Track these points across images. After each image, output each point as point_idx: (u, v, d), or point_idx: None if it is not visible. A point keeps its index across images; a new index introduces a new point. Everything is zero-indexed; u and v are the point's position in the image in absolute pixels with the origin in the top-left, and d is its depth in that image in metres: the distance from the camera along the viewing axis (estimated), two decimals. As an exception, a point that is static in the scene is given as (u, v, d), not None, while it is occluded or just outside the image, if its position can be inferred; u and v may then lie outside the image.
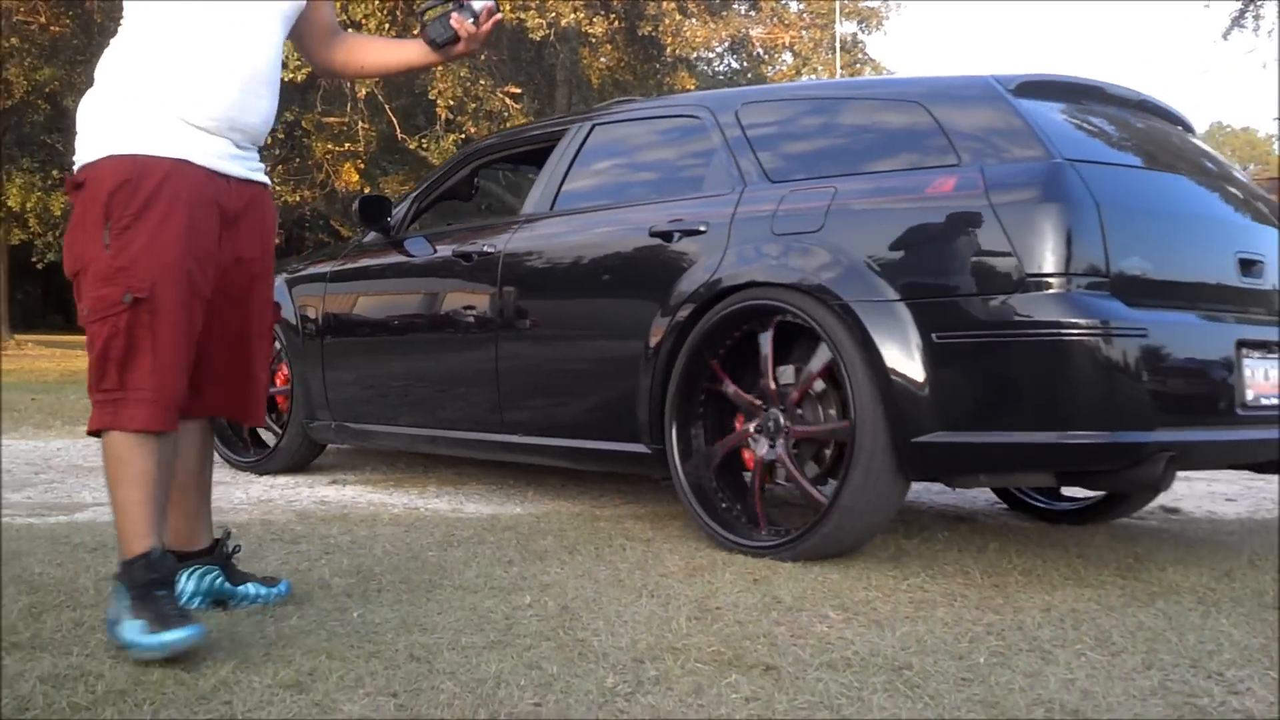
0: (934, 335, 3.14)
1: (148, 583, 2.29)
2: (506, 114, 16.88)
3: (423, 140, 17.31)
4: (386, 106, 17.28)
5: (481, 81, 16.32)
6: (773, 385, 3.49)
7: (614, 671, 2.23)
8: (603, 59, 19.46)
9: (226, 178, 2.52)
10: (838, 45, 22.94)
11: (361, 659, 2.26)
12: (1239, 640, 2.57)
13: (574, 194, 4.36)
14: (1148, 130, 3.82)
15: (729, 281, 3.55)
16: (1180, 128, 4.02)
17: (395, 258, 4.86)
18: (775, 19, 23.05)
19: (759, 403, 3.53)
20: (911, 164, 3.43)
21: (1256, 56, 43.72)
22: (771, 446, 3.49)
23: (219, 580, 2.67)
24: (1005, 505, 4.55)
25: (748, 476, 3.63)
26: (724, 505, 3.62)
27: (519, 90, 17.62)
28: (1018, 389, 3.08)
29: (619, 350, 3.87)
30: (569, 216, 4.28)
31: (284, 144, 19.57)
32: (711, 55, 27.37)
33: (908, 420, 3.17)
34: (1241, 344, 3.29)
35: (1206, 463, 3.79)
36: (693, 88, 21.06)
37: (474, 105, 16.29)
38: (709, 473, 3.65)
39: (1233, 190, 3.71)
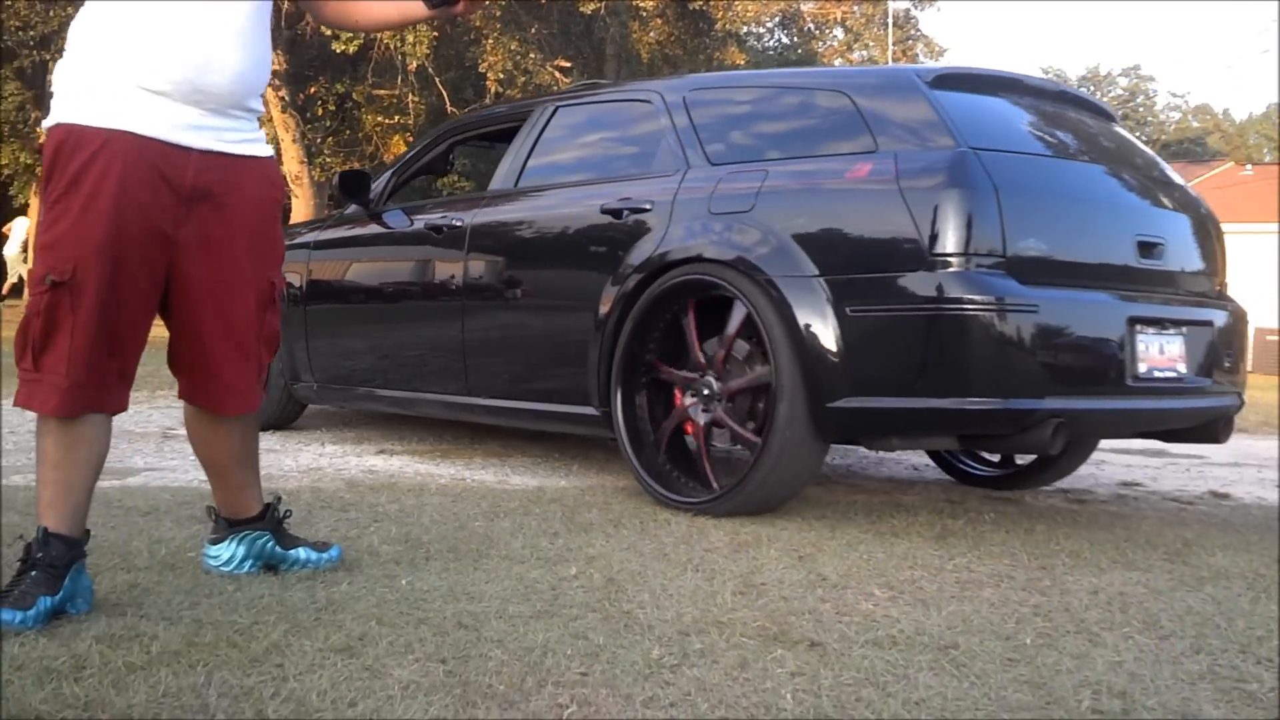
0: (847, 309, 3.41)
1: (23, 558, 2.30)
2: (555, 87, 16.88)
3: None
4: (436, 79, 17.31)
5: (531, 55, 16.31)
6: (701, 356, 3.78)
7: (660, 643, 2.24)
8: (652, 33, 19.36)
9: (185, 150, 2.35)
10: (890, 20, 22.72)
11: (410, 625, 2.29)
12: (1290, 627, 2.54)
13: (537, 171, 4.64)
14: (1060, 120, 4.06)
15: (670, 257, 3.81)
16: (1101, 117, 4.28)
17: (373, 229, 5.13)
18: (827, -6, 22.87)
19: (694, 375, 3.79)
20: (835, 150, 3.68)
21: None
22: (707, 410, 3.75)
23: (270, 544, 2.70)
24: (940, 468, 4.84)
25: (690, 441, 3.90)
26: (666, 466, 3.87)
27: (568, 64, 17.59)
28: (921, 359, 3.33)
29: (573, 319, 4.12)
30: (531, 193, 4.58)
31: (335, 116, 19.67)
32: (762, 30, 27.20)
33: (823, 386, 3.44)
34: (1135, 320, 3.54)
35: (1097, 430, 4.00)
36: (742, 63, 20.95)
37: (523, 78, 16.29)
38: (654, 441, 3.92)
39: (1140, 178, 3.95)
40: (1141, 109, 53.70)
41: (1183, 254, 3.91)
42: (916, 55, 26.36)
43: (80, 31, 2.33)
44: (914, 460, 5.36)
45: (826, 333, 3.42)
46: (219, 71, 2.34)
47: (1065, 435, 3.35)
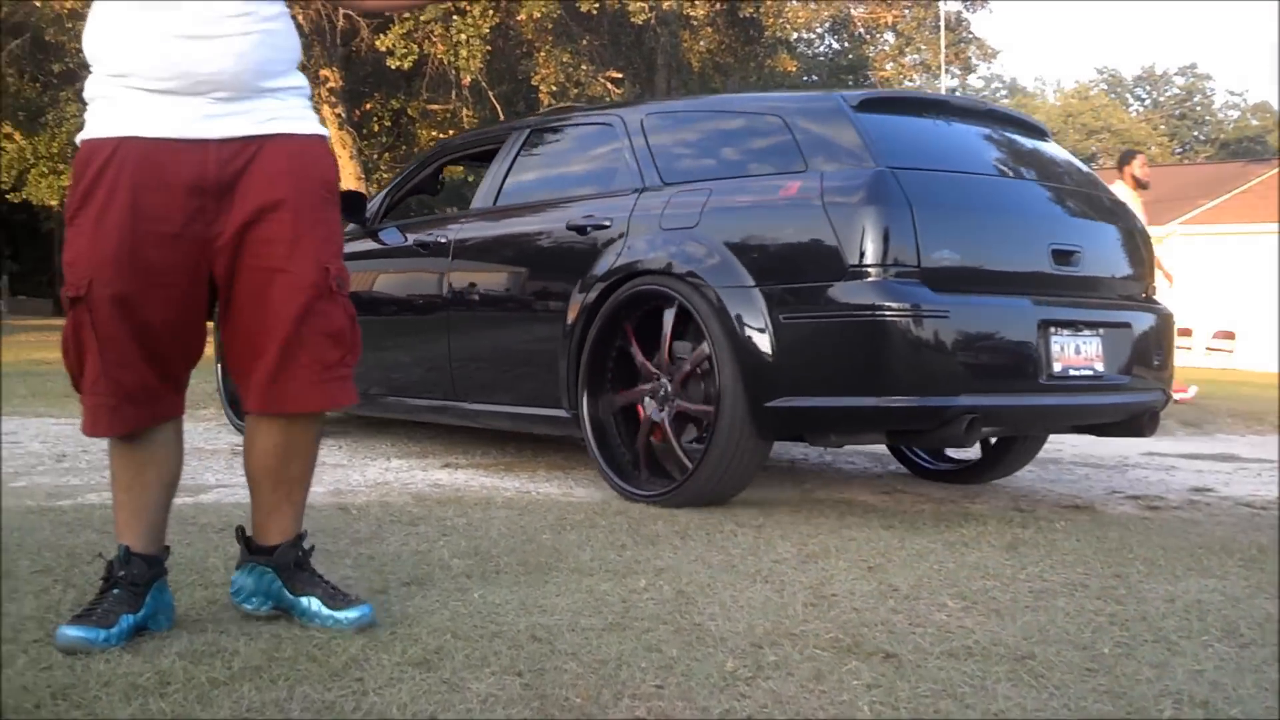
0: (780, 316, 3.71)
1: (106, 577, 2.31)
2: (607, 98, 16.94)
3: (525, 126, 17.42)
4: (489, 92, 17.42)
5: (583, 66, 16.38)
6: (647, 359, 4.11)
7: (733, 655, 2.24)
8: (703, 42, 19.38)
9: (202, 142, 2.22)
10: (942, 24, 22.57)
11: (485, 638, 2.31)
12: (1375, 635, 2.49)
13: (513, 190, 5.01)
14: (981, 138, 4.34)
15: (626, 269, 4.12)
16: (1031, 134, 4.58)
17: (370, 245, 5.48)
18: (878, -2, 22.76)
19: (655, 371, 4.10)
20: (771, 169, 3.98)
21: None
22: (661, 410, 4.07)
23: (276, 584, 2.42)
24: (904, 465, 5.13)
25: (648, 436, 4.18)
26: (627, 460, 4.19)
27: (619, 74, 17.64)
28: (846, 361, 3.65)
29: (544, 327, 4.45)
30: (506, 211, 4.97)
31: (390, 131, 19.86)
32: (812, 36, 27.13)
33: (761, 387, 3.73)
34: (1048, 323, 3.82)
35: (1011, 424, 4.19)
36: (793, 70, 20.93)
37: (575, 90, 16.36)
38: (615, 431, 4.24)
39: (1062, 191, 4.27)
40: (1199, 108, 52.98)
41: (1102, 261, 4.20)
42: (969, 58, 26.17)
43: (86, 42, 2.27)
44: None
45: (762, 338, 3.72)
46: (220, 58, 2.20)
47: (979, 429, 3.68)
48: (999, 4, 64.09)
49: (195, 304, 2.30)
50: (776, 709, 1.98)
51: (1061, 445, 6.37)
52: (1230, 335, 21.50)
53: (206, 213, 2.23)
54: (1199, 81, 53.26)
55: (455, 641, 2.28)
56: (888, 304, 3.53)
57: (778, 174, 3.92)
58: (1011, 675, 2.17)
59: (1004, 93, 55.13)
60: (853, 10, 23.65)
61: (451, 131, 18.68)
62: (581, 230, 4.38)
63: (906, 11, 23.32)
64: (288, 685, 2.00)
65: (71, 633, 2.18)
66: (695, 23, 17.65)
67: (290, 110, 2.31)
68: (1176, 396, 8.74)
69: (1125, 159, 9.34)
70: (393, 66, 15.86)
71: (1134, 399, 4.18)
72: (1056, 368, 3.82)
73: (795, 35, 23.33)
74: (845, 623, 2.50)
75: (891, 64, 25.65)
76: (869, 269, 3.57)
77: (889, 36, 25.57)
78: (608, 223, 4.29)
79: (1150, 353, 4.27)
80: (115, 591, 2.28)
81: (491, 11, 15.09)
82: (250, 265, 2.27)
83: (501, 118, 17.97)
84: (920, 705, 2.01)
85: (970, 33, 25.38)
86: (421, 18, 14.84)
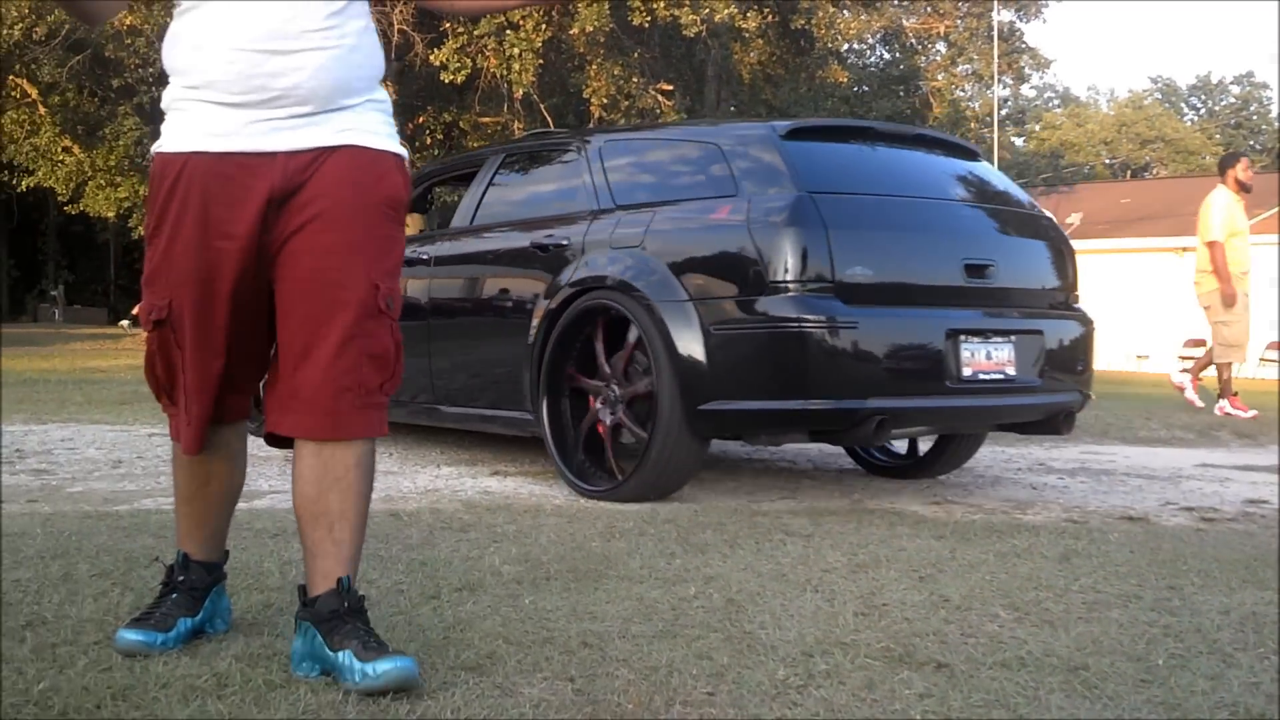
0: (712, 328, 4.08)
1: (165, 581, 2.36)
2: (658, 110, 16.99)
3: (575, 138, 17.50)
4: (541, 105, 17.54)
5: (634, 79, 16.45)
6: (606, 368, 4.44)
7: (784, 664, 2.24)
8: (753, 54, 19.39)
9: (270, 155, 2.14)
10: (995, 34, 22.44)
11: (536, 644, 2.32)
12: None
13: (488, 211, 5.43)
14: (904, 162, 4.69)
15: (580, 284, 4.49)
16: (960, 155, 4.98)
17: None
18: (929, 8, 22.65)
19: (602, 383, 4.45)
20: (709, 194, 4.35)
21: None
22: (613, 413, 4.40)
23: (316, 640, 2.10)
24: (857, 463, 5.49)
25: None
26: (581, 459, 4.51)
27: (670, 87, 17.70)
28: (769, 368, 4.01)
29: (511, 338, 4.80)
30: (480, 230, 5.40)
31: (442, 145, 20.02)
32: (863, 47, 27.06)
33: (695, 392, 4.10)
34: (958, 332, 4.17)
35: (920, 424, 4.49)
36: (844, 81, 20.88)
37: (626, 103, 16.43)
38: (575, 438, 4.55)
39: (982, 208, 4.64)
40: (1255, 117, 52.21)
41: (1018, 274, 4.53)
42: (1022, 68, 26.00)
43: (165, 53, 2.22)
44: (1032, 479, 5.27)
45: (696, 347, 4.09)
46: (297, 72, 2.11)
47: (889, 429, 4.09)
48: (1053, 13, 63.67)
49: (263, 314, 2.23)
50: (828, 717, 1.97)
51: (1115, 457, 6.31)
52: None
53: (266, 221, 2.15)
54: (1255, 90, 52.57)
55: (507, 647, 2.29)
56: (804, 316, 3.92)
57: (713, 198, 4.30)
58: (1065, 686, 2.15)
59: (1056, 102, 54.67)
60: (905, 21, 23.57)
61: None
62: (544, 249, 4.78)
63: (959, 22, 23.19)
64: (343, 688, 2.02)
65: (130, 636, 2.21)
66: (747, 35, 17.68)
67: (365, 123, 2.21)
68: (1241, 415, 8.62)
69: (1229, 162, 9.12)
70: (446, 80, 16.00)
71: (1048, 400, 4.53)
72: (966, 372, 4.17)
73: (846, 46, 23.27)
74: (896, 632, 2.49)
75: (943, 74, 25.52)
76: (788, 285, 3.95)
77: (940, 47, 25.44)
78: (565, 241, 4.70)
79: (1066, 357, 4.61)
80: (174, 596, 2.31)
81: (545, 25, 15.19)
82: (295, 274, 2.15)
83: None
84: (972, 715, 2.00)
85: (1023, 42, 25.22)
86: (475, 31, 14.97)
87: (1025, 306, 4.53)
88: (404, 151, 2.29)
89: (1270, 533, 3.96)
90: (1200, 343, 20.53)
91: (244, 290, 2.18)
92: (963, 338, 4.17)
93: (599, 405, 4.45)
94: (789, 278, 3.95)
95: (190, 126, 2.16)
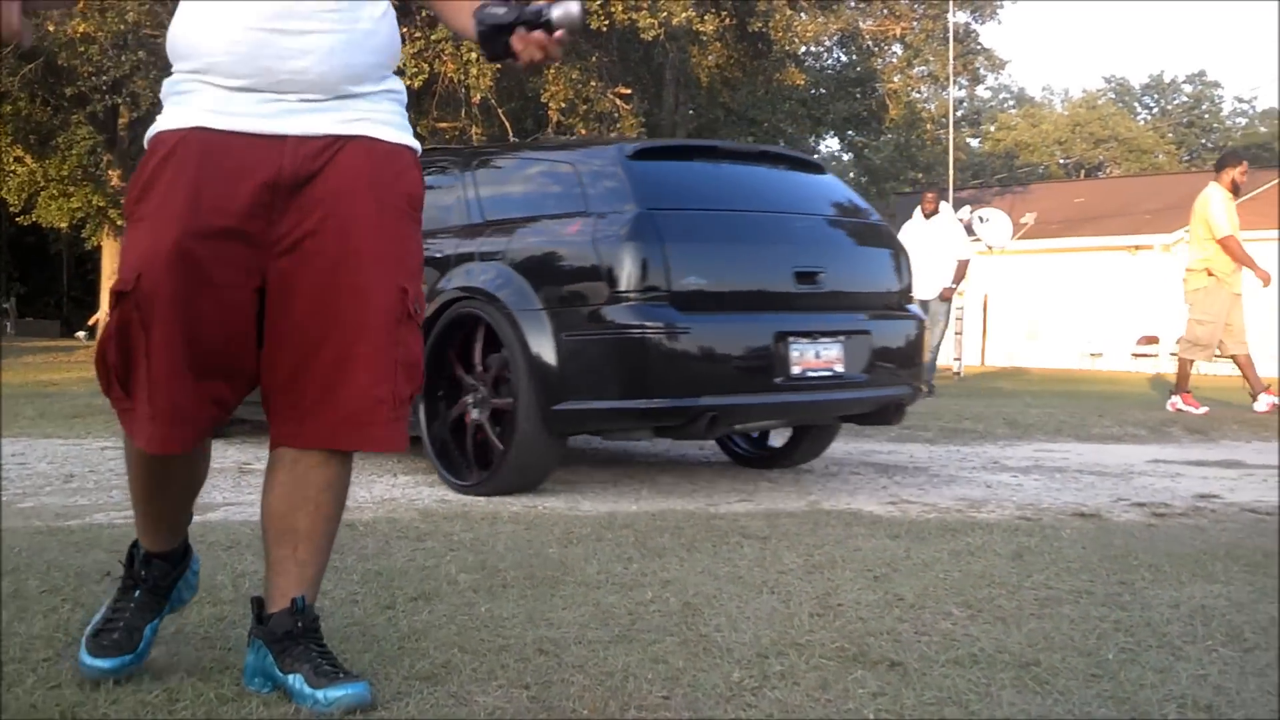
0: (563, 334, 4.43)
1: (126, 579, 2.23)
2: (616, 115, 16.99)
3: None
4: (499, 110, 17.50)
5: (592, 83, 16.43)
6: (469, 370, 4.76)
7: (739, 666, 2.25)
8: (711, 57, 19.43)
9: (279, 138, 2.00)
10: (951, 35, 22.59)
11: (492, 652, 2.32)
12: (1381, 639, 2.49)
13: None
14: (746, 177, 5.07)
15: (450, 296, 4.78)
16: (805, 169, 5.35)
17: None
18: (886, 10, 22.78)
19: (472, 382, 4.76)
20: (563, 210, 4.70)
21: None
22: (480, 412, 4.71)
23: (267, 659, 2.07)
24: (728, 455, 5.88)
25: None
26: (458, 456, 4.79)
27: (628, 91, 17.70)
28: (614, 370, 4.36)
29: None
30: None
31: (398, 150, 19.89)
32: (820, 50, 27.17)
33: (550, 393, 4.42)
34: (787, 334, 4.53)
35: (752, 418, 4.84)
36: (800, 83, 20.96)
37: (584, 107, 16.42)
38: (447, 433, 4.82)
39: (816, 218, 5.02)
40: (1207, 115, 52.86)
41: (850, 279, 4.92)
42: (977, 69, 26.19)
43: (169, 40, 2.08)
44: (986, 478, 5.32)
45: (549, 352, 4.43)
46: (305, 55, 1.98)
47: (720, 425, 4.47)
48: (1008, 14, 64.01)
49: (247, 313, 2.02)
50: (783, 718, 1.99)
51: (1068, 454, 6.37)
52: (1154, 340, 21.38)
53: (272, 211, 1.99)
54: (1207, 89, 53.14)
55: (462, 655, 2.29)
56: (642, 323, 4.29)
57: (566, 215, 4.66)
58: (1016, 682, 2.17)
59: (1012, 103, 55.08)
60: (861, 24, 23.69)
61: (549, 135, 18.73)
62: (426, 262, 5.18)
63: (915, 24, 23.33)
64: (294, 701, 2.01)
65: (98, 664, 2.09)
66: (704, 38, 17.68)
67: (380, 113, 2.08)
68: (1192, 411, 8.65)
69: (1229, 161, 9.11)
70: (403, 85, 15.90)
71: (878, 394, 4.93)
72: (795, 370, 4.53)
73: (804, 49, 23.35)
74: (851, 632, 2.51)
75: (899, 75, 25.66)
76: (629, 295, 4.32)
77: (897, 49, 25.57)
78: (440, 253, 4.97)
79: (895, 355, 5.01)
80: (136, 595, 2.19)
81: None
82: (312, 278, 2.01)
83: (510, 135, 18.05)
84: (925, 713, 2.02)
85: (979, 44, 25.38)
86: (433, 36, 14.91)
87: (855, 309, 4.93)
88: (418, 145, 2.18)
89: (1220, 527, 4.01)
90: (1154, 340, 20.78)
91: (230, 279, 1.98)
92: (791, 339, 4.53)
93: (469, 400, 4.73)
94: (629, 288, 4.32)
95: (192, 106, 2.00)
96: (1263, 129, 50.14)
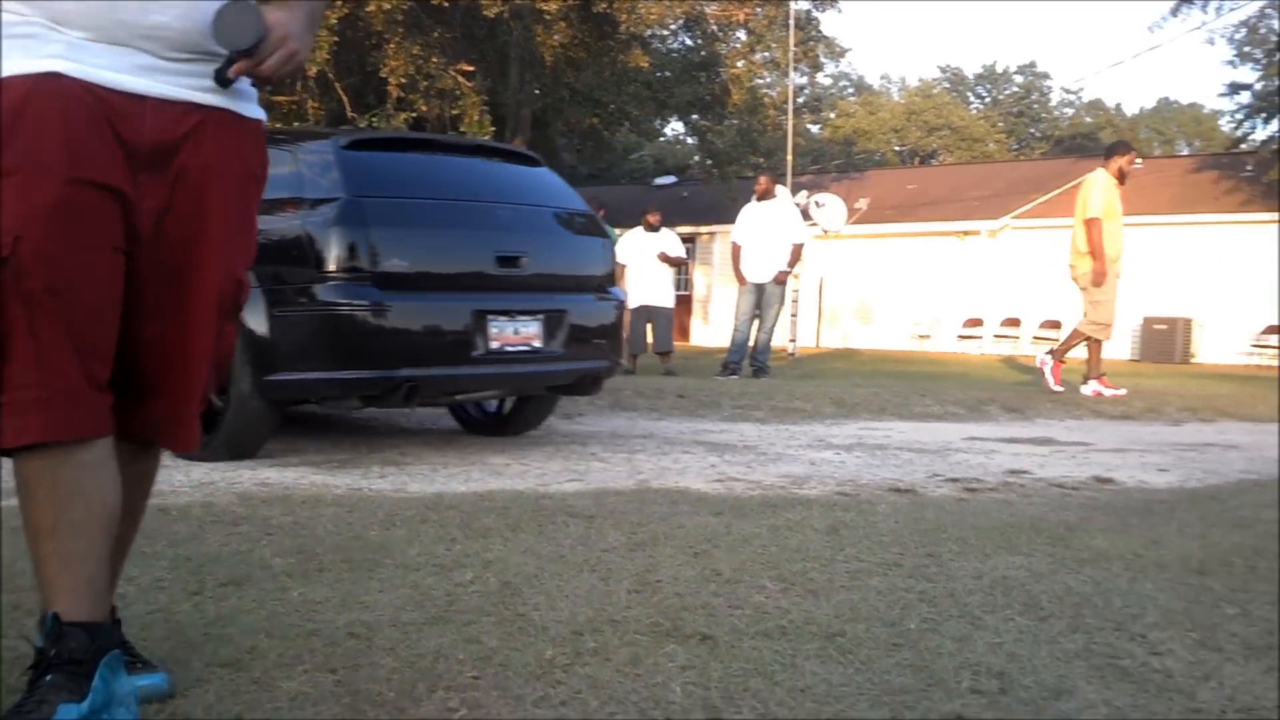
0: (275, 310, 4.77)
1: (34, 663, 1.79)
2: (458, 92, 16.80)
3: (373, 119, 17.18)
4: (336, 85, 17.12)
5: (434, 60, 16.21)
6: None
7: (553, 644, 2.26)
8: (556, 36, 19.34)
9: (139, 98, 1.79)
10: (792, 22, 22.95)
11: (301, 637, 2.28)
12: (1162, 604, 2.64)
13: None
14: (459, 169, 5.58)
15: None
16: (522, 162, 5.84)
17: None
18: (728, -4, 23.01)
19: None
20: (281, 195, 4.85)
21: (1202, 33, 43.74)
22: None
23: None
24: (458, 423, 6.38)
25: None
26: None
27: (471, 68, 17.51)
28: (320, 344, 4.74)
29: None
30: None
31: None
32: (666, 33, 27.30)
33: (263, 365, 4.78)
34: (485, 312, 4.97)
35: (449, 390, 5.24)
36: (645, 66, 21.03)
37: (425, 83, 16.19)
38: None
39: (523, 207, 5.45)
40: (1036, 105, 54.86)
41: (552, 263, 5.40)
42: (817, 57, 26.65)
43: None
44: (811, 455, 5.44)
45: (262, 327, 4.77)
46: (163, 10, 1.77)
47: (418, 395, 4.87)
48: (848, 3, 65.20)
49: (121, 284, 1.81)
50: (590, 694, 2.00)
51: (890, 432, 6.57)
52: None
53: (136, 175, 1.79)
54: (1037, 80, 55.10)
55: (269, 641, 2.24)
56: (345, 301, 4.68)
57: (286, 199, 4.88)
58: (820, 652, 2.23)
59: (851, 90, 56.25)
60: (705, 8, 23.86)
61: (296, 124, 18.32)
62: None
63: (758, 10, 23.62)
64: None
65: None
66: (548, 17, 17.59)
67: (238, 82, 1.86)
68: (1116, 393, 8.76)
69: (1119, 150, 9.28)
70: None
71: (576, 367, 5.40)
72: (494, 345, 5.01)
73: (649, 31, 23.42)
74: (667, 608, 2.54)
75: (743, 61, 25.95)
76: (335, 275, 4.69)
77: (741, 34, 25.85)
78: None
79: (594, 333, 5.51)
80: (48, 678, 1.73)
81: (339, 2, 14.82)
82: (164, 258, 1.84)
83: (349, 110, 17.69)
84: (731, 684, 2.06)
85: (820, 31, 25.83)
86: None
87: (555, 290, 5.38)
88: (264, 115, 2.02)
89: (1027, 501, 4.18)
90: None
91: (113, 243, 1.77)
92: (490, 317, 4.99)
93: None
94: (335, 268, 4.69)
95: (39, 53, 1.73)
96: (1088, 119, 52.29)
